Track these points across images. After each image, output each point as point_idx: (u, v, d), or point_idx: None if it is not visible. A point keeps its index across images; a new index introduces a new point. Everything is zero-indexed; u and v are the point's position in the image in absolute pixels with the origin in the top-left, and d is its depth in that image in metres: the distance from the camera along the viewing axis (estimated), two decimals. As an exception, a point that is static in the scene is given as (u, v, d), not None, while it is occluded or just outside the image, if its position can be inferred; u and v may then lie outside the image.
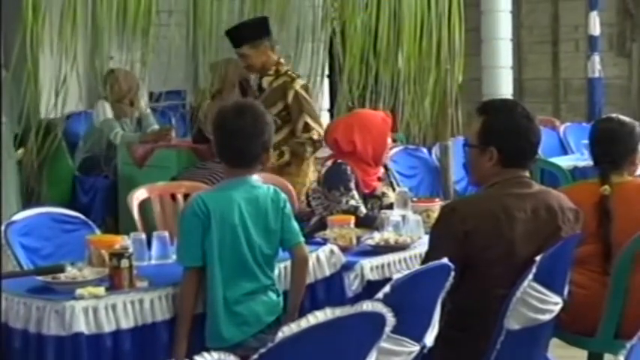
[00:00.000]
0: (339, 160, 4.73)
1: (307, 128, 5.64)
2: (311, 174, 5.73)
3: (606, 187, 4.04)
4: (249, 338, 3.49)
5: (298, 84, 5.71)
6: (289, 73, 5.77)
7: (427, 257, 3.39)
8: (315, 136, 5.64)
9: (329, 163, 4.79)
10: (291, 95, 5.63)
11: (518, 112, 3.43)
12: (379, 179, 4.87)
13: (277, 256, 3.63)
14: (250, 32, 5.61)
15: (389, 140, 4.89)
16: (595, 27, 9.36)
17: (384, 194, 4.82)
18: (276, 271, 3.65)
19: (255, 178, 3.64)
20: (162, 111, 7.33)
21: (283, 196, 3.67)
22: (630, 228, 3.87)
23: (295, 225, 3.67)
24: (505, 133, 3.42)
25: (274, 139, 5.34)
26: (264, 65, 5.72)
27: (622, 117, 4.28)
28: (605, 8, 9.67)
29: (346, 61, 6.18)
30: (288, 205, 3.66)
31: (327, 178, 4.71)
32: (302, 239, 3.69)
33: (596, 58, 9.39)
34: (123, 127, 6.93)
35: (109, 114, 6.93)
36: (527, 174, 3.48)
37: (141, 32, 5.45)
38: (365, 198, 4.73)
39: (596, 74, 9.43)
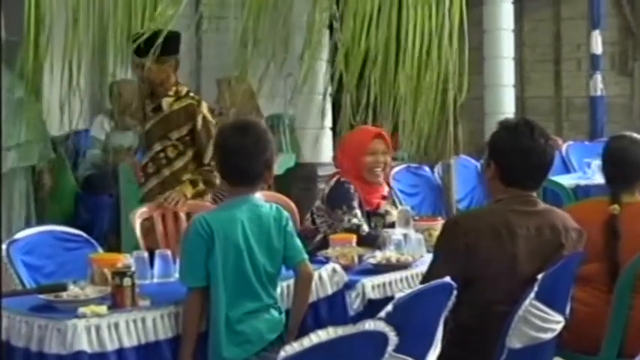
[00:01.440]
0: (342, 179, 4.74)
1: None
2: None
3: (616, 206, 4.01)
4: (252, 356, 3.48)
5: (205, 107, 5.29)
6: (191, 95, 5.33)
7: (430, 269, 3.40)
8: None
9: (332, 182, 4.79)
10: (199, 120, 5.19)
11: (521, 132, 3.42)
12: (384, 197, 4.87)
13: (280, 275, 3.62)
14: (159, 46, 5.07)
15: (372, 154, 4.75)
16: (597, 46, 9.38)
17: (387, 212, 4.82)
18: (279, 289, 3.65)
19: (258, 196, 3.64)
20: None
21: (286, 214, 3.67)
22: (638, 248, 3.83)
23: (298, 242, 3.66)
24: (506, 152, 3.44)
25: (177, 166, 5.28)
26: (163, 83, 5.24)
27: (635, 135, 4.24)
28: (607, 27, 9.70)
29: (348, 80, 6.18)
30: (290, 223, 3.66)
31: (330, 196, 4.71)
32: (306, 256, 3.68)
33: (598, 76, 9.41)
34: (126, 139, 6.97)
35: (107, 128, 6.96)
36: (532, 194, 3.48)
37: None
38: (368, 216, 4.74)
39: (598, 93, 9.44)
